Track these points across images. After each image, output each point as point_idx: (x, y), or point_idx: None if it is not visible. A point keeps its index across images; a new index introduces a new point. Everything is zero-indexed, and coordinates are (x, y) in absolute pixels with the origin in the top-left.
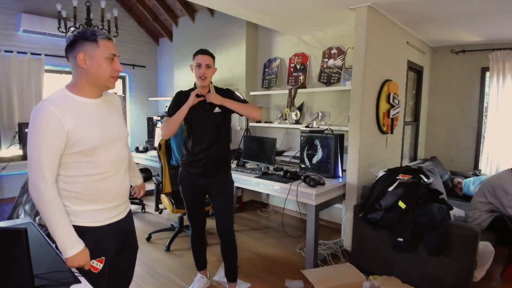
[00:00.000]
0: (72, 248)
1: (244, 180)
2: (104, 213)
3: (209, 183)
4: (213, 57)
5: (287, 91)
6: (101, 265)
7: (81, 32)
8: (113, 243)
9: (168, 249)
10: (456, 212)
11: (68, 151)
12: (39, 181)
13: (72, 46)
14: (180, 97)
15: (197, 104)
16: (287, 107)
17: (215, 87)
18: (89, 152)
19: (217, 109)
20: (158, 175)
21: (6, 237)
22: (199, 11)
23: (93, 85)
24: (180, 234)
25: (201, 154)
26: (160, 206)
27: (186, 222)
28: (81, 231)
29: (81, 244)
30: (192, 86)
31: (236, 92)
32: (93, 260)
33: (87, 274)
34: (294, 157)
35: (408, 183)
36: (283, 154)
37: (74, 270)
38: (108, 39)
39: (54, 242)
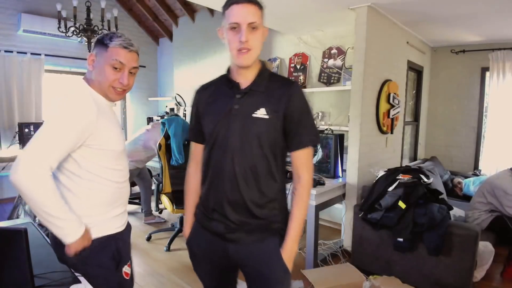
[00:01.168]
0: (80, 227)
1: None
2: (123, 216)
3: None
4: (260, 7)
5: None
6: (130, 269)
7: (102, 35)
8: (129, 246)
9: (168, 249)
10: (456, 212)
11: (98, 154)
12: (38, 164)
13: (94, 46)
14: (199, 100)
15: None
16: None
17: (271, 75)
18: (116, 156)
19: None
20: (158, 175)
21: (6, 237)
22: (199, 11)
23: (98, 88)
24: (180, 234)
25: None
26: (160, 206)
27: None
28: (114, 238)
29: (82, 223)
30: (222, 73)
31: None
32: (125, 266)
33: (123, 283)
34: None
35: (408, 183)
36: None
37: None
38: (123, 47)
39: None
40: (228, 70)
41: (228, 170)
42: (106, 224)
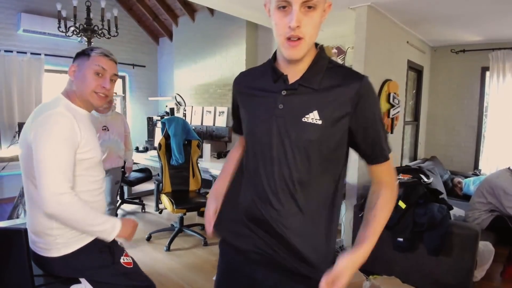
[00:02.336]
0: (116, 221)
1: None
2: None
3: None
4: None
5: None
6: (130, 258)
7: (85, 48)
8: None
9: (168, 249)
10: (456, 212)
11: (77, 164)
12: (64, 191)
13: (74, 59)
14: (237, 91)
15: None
16: None
17: (332, 65)
18: (94, 165)
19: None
20: (158, 175)
21: (6, 237)
22: (199, 11)
23: (79, 99)
24: (180, 234)
25: None
26: (160, 206)
27: (186, 221)
28: (99, 242)
29: (117, 219)
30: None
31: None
32: (122, 257)
33: (129, 275)
34: None
35: (408, 183)
36: None
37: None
38: (104, 55)
39: None
40: (274, 56)
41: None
42: (82, 235)
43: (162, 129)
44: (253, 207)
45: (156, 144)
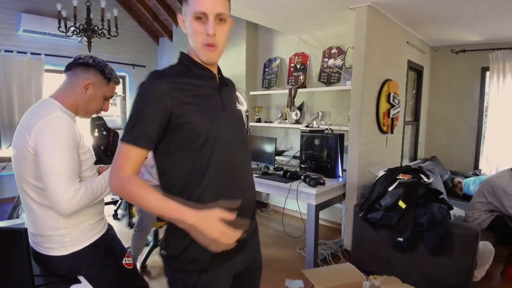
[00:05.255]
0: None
1: None
2: (102, 222)
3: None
4: None
5: (287, 91)
6: (130, 259)
7: (102, 64)
8: (120, 241)
9: (144, 268)
10: (456, 212)
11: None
12: (75, 191)
13: (86, 67)
14: (169, 93)
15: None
16: (287, 106)
17: (222, 75)
18: (89, 167)
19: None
20: None
21: (6, 237)
22: None
23: (74, 106)
24: (156, 249)
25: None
26: (134, 220)
27: (162, 234)
28: (102, 239)
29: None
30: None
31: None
32: (124, 258)
33: (129, 276)
34: (294, 157)
35: (408, 183)
36: (283, 154)
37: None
38: (117, 84)
39: None
40: (188, 56)
41: (241, 167)
42: (89, 232)
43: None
44: (242, 193)
45: None
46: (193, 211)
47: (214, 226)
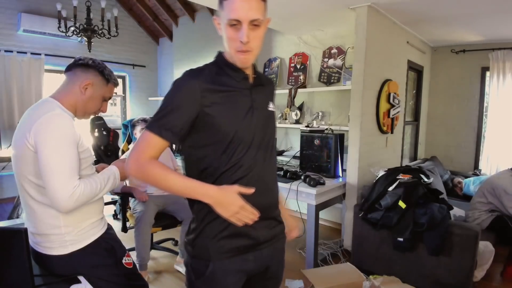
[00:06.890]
0: (115, 171)
1: None
2: (102, 220)
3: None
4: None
5: (287, 91)
6: (131, 258)
7: (101, 65)
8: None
9: (176, 243)
10: (456, 212)
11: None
12: (74, 187)
13: (86, 68)
14: (201, 92)
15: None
16: (287, 106)
17: (259, 74)
18: (88, 165)
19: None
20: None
21: (6, 237)
22: (199, 11)
23: (74, 106)
24: (156, 250)
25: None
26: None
27: (156, 237)
28: (102, 238)
29: (111, 167)
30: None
31: None
32: (124, 258)
33: (129, 275)
34: (294, 157)
35: (408, 183)
36: (283, 154)
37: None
38: (115, 85)
39: None
40: (222, 57)
41: (264, 169)
42: (89, 232)
43: (124, 133)
44: (263, 191)
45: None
46: (215, 186)
47: (234, 199)
